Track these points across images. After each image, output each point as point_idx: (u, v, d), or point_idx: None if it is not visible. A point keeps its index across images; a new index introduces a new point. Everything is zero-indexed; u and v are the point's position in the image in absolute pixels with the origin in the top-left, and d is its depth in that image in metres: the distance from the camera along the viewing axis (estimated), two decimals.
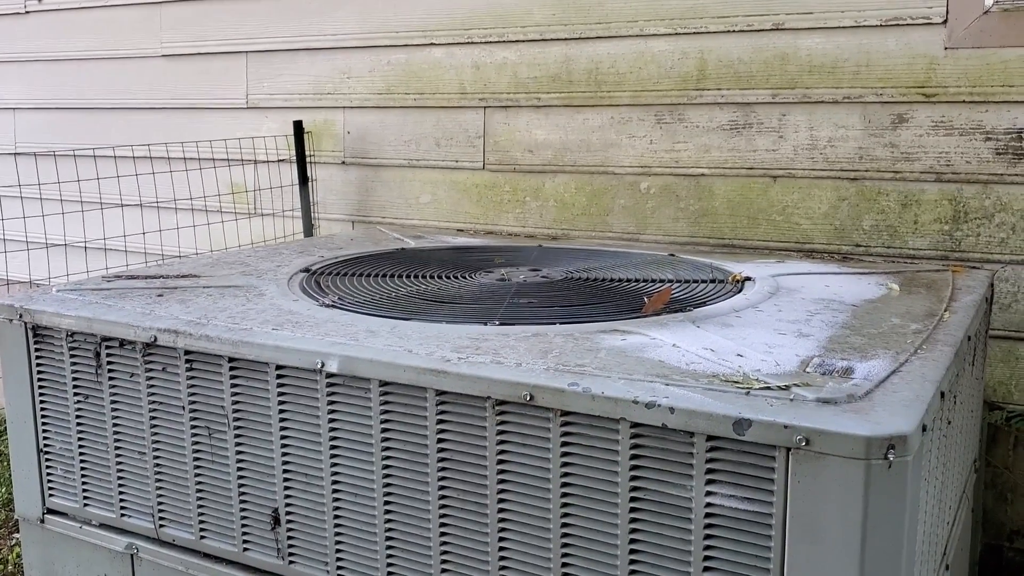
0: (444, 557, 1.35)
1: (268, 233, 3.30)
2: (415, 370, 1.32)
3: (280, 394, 1.45)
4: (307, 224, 3.15)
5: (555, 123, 2.83)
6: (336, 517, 1.44)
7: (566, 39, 2.77)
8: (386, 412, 1.36)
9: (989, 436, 2.39)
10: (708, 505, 1.15)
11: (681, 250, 2.51)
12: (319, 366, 1.39)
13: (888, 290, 1.78)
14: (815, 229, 2.52)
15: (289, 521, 1.49)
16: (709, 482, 1.14)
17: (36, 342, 1.73)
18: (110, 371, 1.65)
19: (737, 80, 2.57)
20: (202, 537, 1.60)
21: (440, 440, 1.32)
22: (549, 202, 2.87)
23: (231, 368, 1.50)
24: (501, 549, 1.30)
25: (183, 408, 1.57)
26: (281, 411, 1.46)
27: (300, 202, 3.15)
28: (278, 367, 1.44)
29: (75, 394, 1.70)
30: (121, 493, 1.68)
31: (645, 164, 2.72)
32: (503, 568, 1.30)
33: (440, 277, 1.94)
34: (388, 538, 1.40)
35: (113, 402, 1.65)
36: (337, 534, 1.44)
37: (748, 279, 1.87)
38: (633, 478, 1.19)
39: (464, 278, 1.93)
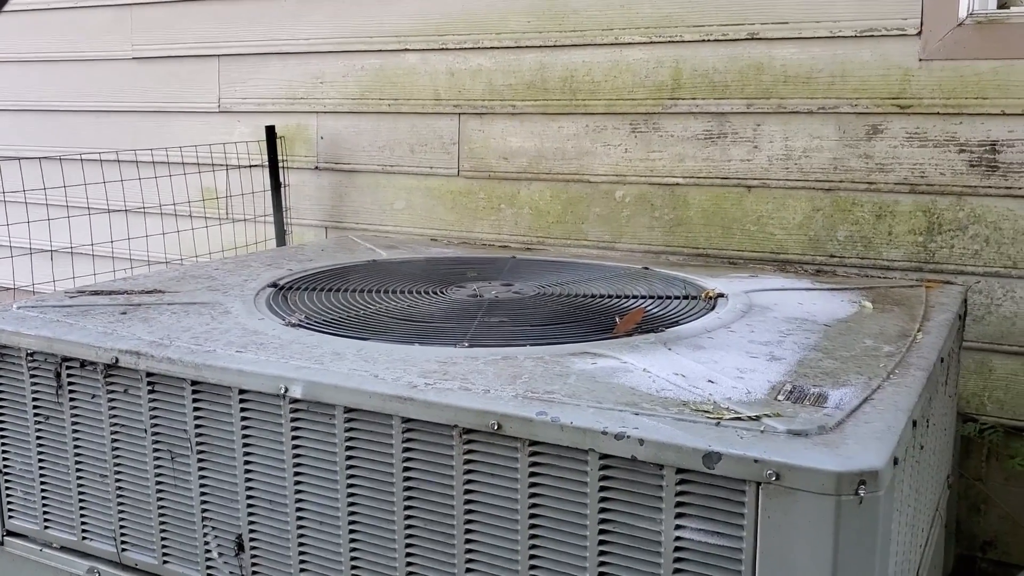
0: None
1: (240, 239, 3.25)
2: (381, 396, 1.30)
3: (243, 419, 1.42)
4: (279, 230, 3.11)
5: (530, 130, 2.81)
6: (300, 545, 1.41)
7: (541, 47, 2.75)
8: (351, 439, 1.33)
9: (962, 448, 2.39)
10: (678, 539, 1.13)
11: (656, 260, 2.50)
12: (283, 391, 1.37)
13: (861, 308, 1.77)
14: (789, 239, 2.51)
15: (253, 548, 1.46)
16: (679, 515, 1.12)
17: None
18: (71, 392, 1.61)
19: (712, 89, 2.55)
20: (165, 562, 1.56)
21: (406, 468, 1.30)
22: (524, 209, 2.85)
23: (194, 391, 1.46)
24: None
25: (145, 431, 1.53)
26: (244, 436, 1.43)
27: (272, 208, 3.11)
28: (241, 391, 1.41)
29: (35, 415, 1.66)
30: (83, 516, 1.65)
31: (620, 173, 2.70)
32: None
33: (411, 293, 1.91)
34: (353, 567, 1.37)
35: (74, 424, 1.62)
36: (302, 562, 1.42)
37: (721, 296, 1.86)
38: (602, 510, 1.17)
39: (435, 294, 1.90)
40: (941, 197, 2.35)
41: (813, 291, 1.94)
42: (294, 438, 1.38)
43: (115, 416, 1.56)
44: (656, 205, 2.67)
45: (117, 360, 1.52)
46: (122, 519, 1.60)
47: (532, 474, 1.21)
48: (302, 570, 1.42)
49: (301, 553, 1.41)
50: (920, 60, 2.33)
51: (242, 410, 1.42)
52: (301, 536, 1.41)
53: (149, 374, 1.50)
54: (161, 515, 1.55)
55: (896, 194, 2.40)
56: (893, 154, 2.39)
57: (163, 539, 1.56)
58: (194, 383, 1.46)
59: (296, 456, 1.39)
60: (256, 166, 3.20)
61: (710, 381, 1.30)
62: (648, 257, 2.61)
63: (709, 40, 2.54)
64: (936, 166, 2.35)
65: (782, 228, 2.52)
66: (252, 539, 1.46)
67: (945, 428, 1.80)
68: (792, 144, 2.49)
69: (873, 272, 2.41)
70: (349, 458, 1.34)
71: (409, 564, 1.32)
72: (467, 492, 1.26)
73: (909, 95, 2.35)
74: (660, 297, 1.86)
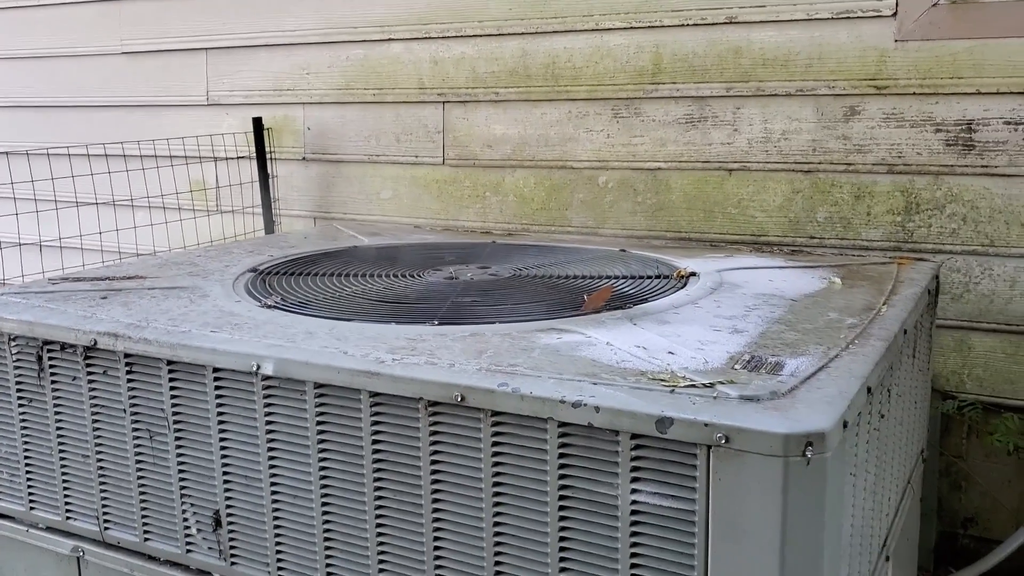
0: (381, 557, 1.36)
1: (229, 231, 3.28)
2: (349, 372, 1.32)
3: (218, 396, 1.45)
4: (268, 221, 3.13)
5: (513, 117, 2.83)
6: (275, 518, 1.44)
7: (523, 33, 2.77)
8: (322, 414, 1.36)
9: (942, 425, 2.41)
10: (634, 503, 1.15)
11: (639, 244, 2.52)
12: (255, 368, 1.39)
13: (830, 284, 1.80)
14: (770, 221, 2.54)
15: (230, 523, 1.49)
16: (634, 480, 1.15)
17: None
18: (52, 375, 1.64)
19: (692, 74, 2.58)
20: (146, 539, 1.59)
21: (375, 441, 1.33)
22: (509, 197, 2.87)
23: (169, 371, 1.49)
24: (436, 548, 1.31)
25: (124, 411, 1.56)
26: (219, 413, 1.46)
27: (261, 199, 3.14)
28: (215, 370, 1.44)
29: (19, 398, 1.69)
30: (66, 496, 1.68)
31: (603, 158, 2.72)
32: (439, 567, 1.31)
33: (388, 276, 1.94)
34: (327, 538, 1.40)
35: (56, 406, 1.65)
36: (277, 535, 1.45)
37: (693, 274, 1.88)
38: (562, 476, 1.20)
39: (412, 277, 1.93)
40: (918, 177, 2.38)
41: (785, 269, 1.97)
42: (267, 414, 1.41)
43: (95, 397, 1.59)
44: (639, 190, 2.69)
45: (95, 342, 1.55)
46: (104, 498, 1.63)
47: (495, 443, 1.23)
48: (278, 543, 1.45)
49: (276, 526, 1.44)
50: (896, 41, 2.35)
51: (216, 388, 1.45)
52: (276, 510, 1.44)
53: (127, 355, 1.53)
54: (141, 493, 1.58)
55: (874, 175, 2.42)
56: (871, 135, 2.41)
57: (144, 517, 1.59)
58: (170, 363, 1.49)
59: (269, 432, 1.42)
60: (244, 158, 3.23)
61: (670, 352, 1.33)
62: (631, 242, 2.63)
63: (688, 24, 2.56)
64: (913, 146, 2.37)
65: (762, 210, 2.54)
66: (229, 514, 1.49)
67: (916, 401, 1.82)
68: (771, 127, 2.51)
69: (852, 252, 2.43)
70: (320, 432, 1.37)
71: (380, 533, 1.35)
72: (433, 462, 1.29)
73: (885, 76, 2.37)
74: (634, 277, 1.89)
